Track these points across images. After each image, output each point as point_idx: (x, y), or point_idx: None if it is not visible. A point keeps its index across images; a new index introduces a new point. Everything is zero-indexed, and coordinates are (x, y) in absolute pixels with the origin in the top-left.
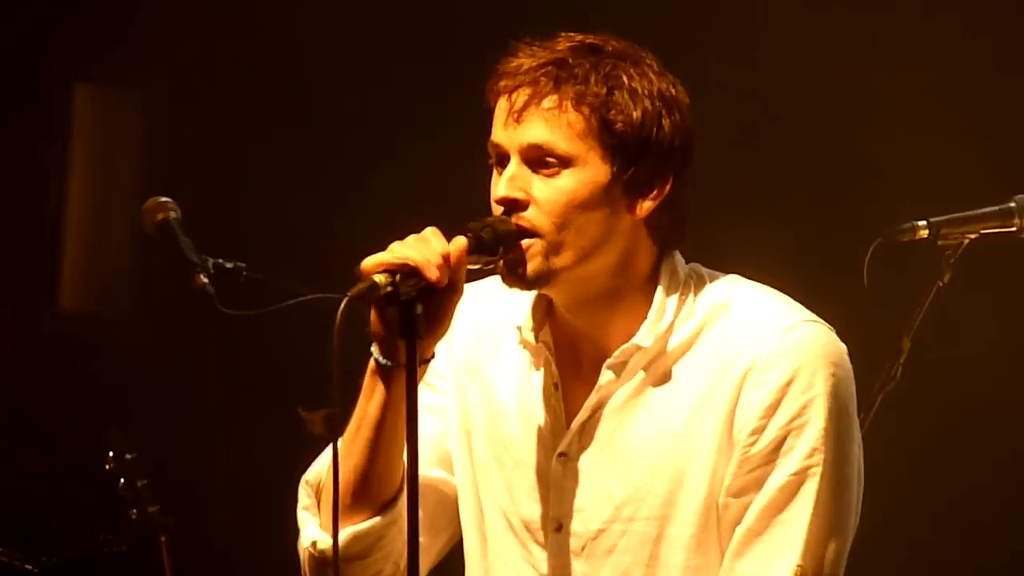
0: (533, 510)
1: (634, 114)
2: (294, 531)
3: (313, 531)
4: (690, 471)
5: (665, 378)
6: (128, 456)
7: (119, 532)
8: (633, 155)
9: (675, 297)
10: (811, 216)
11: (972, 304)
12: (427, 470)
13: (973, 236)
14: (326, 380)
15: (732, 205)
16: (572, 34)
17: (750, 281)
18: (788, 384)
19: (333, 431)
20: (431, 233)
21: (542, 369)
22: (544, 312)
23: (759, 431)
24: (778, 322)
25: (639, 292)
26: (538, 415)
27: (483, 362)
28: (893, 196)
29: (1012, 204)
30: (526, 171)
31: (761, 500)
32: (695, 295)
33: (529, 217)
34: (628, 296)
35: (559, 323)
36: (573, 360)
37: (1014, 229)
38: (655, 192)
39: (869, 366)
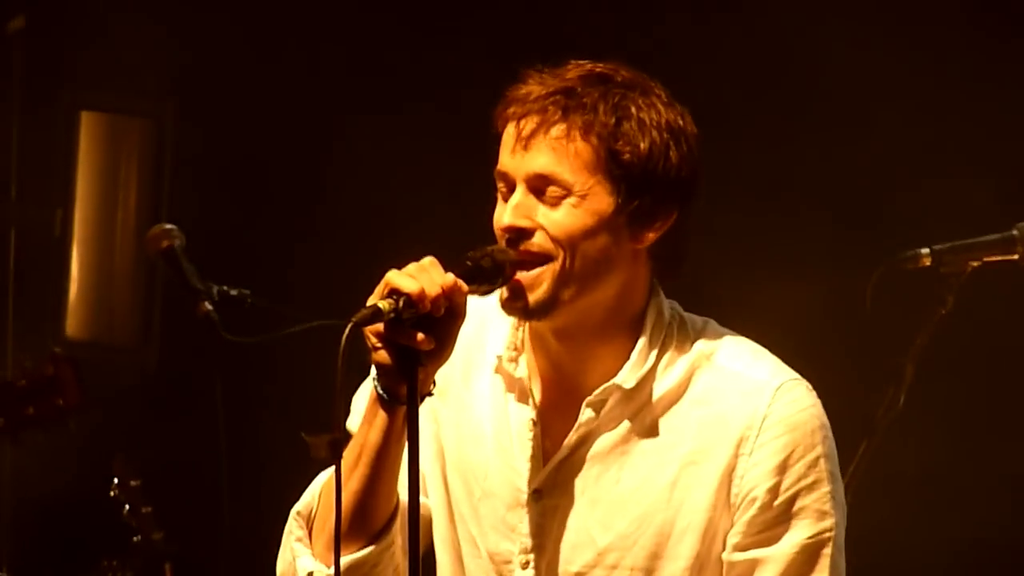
0: (498, 543)
1: (641, 145)
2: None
3: (308, 562)
4: (679, 526)
5: (653, 429)
6: (133, 483)
7: (124, 559)
8: (639, 186)
9: (659, 340)
10: (814, 244)
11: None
12: (401, 494)
13: (976, 264)
14: (330, 405)
15: (735, 235)
16: (582, 62)
17: (724, 329)
18: (791, 445)
19: (337, 456)
20: (430, 263)
21: (520, 402)
22: (522, 341)
23: (773, 490)
24: (768, 380)
25: (626, 329)
26: (514, 448)
27: (456, 385)
28: (896, 223)
29: (1015, 232)
30: (532, 199)
31: (777, 564)
32: (677, 339)
33: (538, 242)
34: (616, 332)
35: (540, 354)
36: (550, 394)
37: (1016, 257)
38: (659, 223)
39: (873, 393)
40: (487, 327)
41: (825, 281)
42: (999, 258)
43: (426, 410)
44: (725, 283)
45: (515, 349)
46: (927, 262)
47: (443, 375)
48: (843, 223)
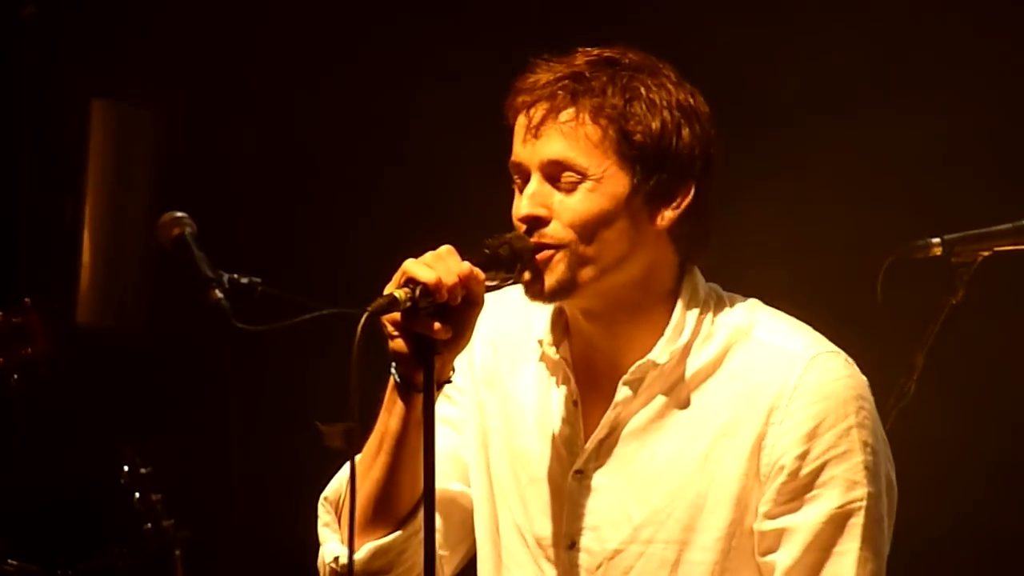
0: (546, 526)
1: (653, 124)
2: (309, 545)
3: (335, 547)
4: (712, 497)
5: (687, 402)
6: (143, 470)
7: (134, 546)
8: (653, 165)
9: (694, 315)
10: (825, 233)
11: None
12: (445, 483)
13: (987, 253)
14: (343, 394)
15: (745, 222)
16: (589, 48)
17: (769, 307)
18: (822, 414)
19: (351, 445)
20: (447, 251)
21: (562, 385)
22: (562, 327)
23: (801, 458)
24: (802, 351)
25: (659, 307)
26: (556, 431)
27: (502, 374)
28: (907, 212)
29: None
30: (547, 187)
31: (805, 533)
32: (714, 315)
33: (551, 232)
34: (648, 310)
35: (577, 338)
36: (590, 376)
37: None
38: (677, 201)
39: (883, 383)
40: (534, 317)
41: (833, 270)
42: (1010, 247)
43: (471, 401)
44: (731, 271)
45: (556, 334)
46: (938, 251)
47: (488, 365)
48: (854, 210)
